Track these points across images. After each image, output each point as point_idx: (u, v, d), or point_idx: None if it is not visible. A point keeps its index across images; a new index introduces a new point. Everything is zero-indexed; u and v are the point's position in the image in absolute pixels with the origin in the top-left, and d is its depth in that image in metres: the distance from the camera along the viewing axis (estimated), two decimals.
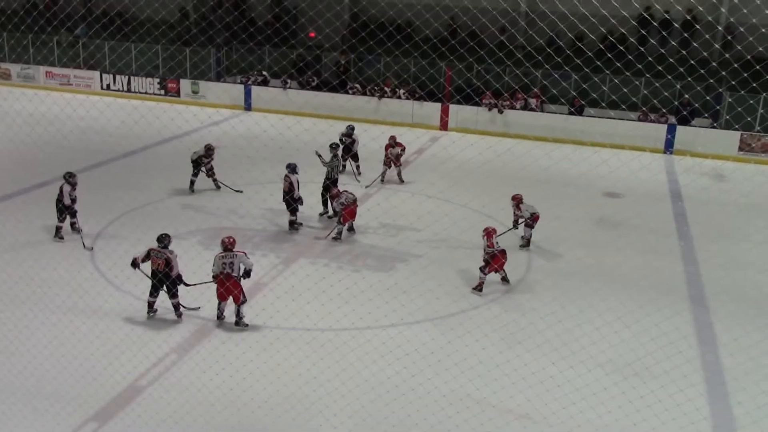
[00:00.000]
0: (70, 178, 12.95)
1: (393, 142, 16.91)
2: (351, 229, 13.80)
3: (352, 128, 16.75)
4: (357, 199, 13.72)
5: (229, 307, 10.25)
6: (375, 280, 11.61)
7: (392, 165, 17.00)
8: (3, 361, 9.00)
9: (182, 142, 19.33)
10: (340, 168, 15.43)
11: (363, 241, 13.55)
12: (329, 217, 14.44)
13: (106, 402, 8.36)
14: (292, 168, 13.63)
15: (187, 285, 10.26)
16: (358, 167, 16.33)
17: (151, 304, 10.30)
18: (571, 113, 22.55)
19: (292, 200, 13.54)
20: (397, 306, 10.37)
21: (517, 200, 13.43)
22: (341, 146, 15.99)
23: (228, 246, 10.05)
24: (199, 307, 10.60)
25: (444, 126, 23.39)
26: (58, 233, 13.03)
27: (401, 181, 17.01)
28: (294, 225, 13.85)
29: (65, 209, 12.90)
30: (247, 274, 10.03)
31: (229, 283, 9.94)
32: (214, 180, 15.97)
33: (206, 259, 11.02)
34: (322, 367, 8.96)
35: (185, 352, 9.49)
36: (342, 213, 13.43)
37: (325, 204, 14.68)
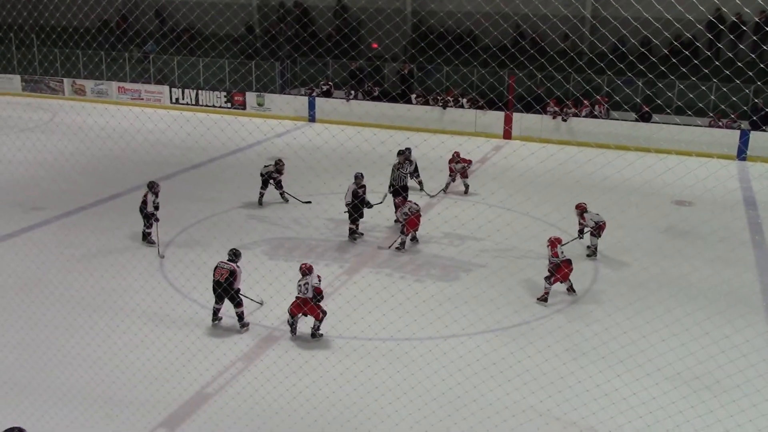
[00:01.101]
0: (153, 187, 13.48)
1: (457, 158, 16.87)
2: (414, 239, 13.81)
3: (410, 150, 16.59)
4: (420, 209, 13.73)
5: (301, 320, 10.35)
6: (436, 289, 11.59)
7: (456, 179, 16.99)
8: (77, 368, 9.30)
9: (246, 155, 19.72)
10: (409, 173, 15.47)
11: (425, 251, 13.55)
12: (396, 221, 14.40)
13: (174, 409, 8.55)
14: (356, 176, 13.81)
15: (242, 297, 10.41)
16: (420, 183, 16.40)
17: (216, 312, 10.51)
18: (637, 120, 22.10)
19: (352, 209, 13.67)
20: (459, 316, 10.31)
21: (581, 209, 13.24)
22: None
23: (304, 271, 10.18)
24: (262, 302, 10.83)
25: (507, 135, 23.22)
26: (146, 238, 13.60)
27: (466, 192, 16.92)
28: (354, 234, 13.93)
29: (149, 217, 13.44)
30: (320, 296, 10.13)
31: (306, 308, 10.08)
32: (282, 193, 16.17)
33: (269, 269, 11.17)
34: (383, 377, 8.97)
35: (250, 360, 9.64)
36: (405, 223, 13.46)
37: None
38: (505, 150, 21.44)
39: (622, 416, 8.22)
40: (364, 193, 13.90)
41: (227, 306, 10.50)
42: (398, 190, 15.04)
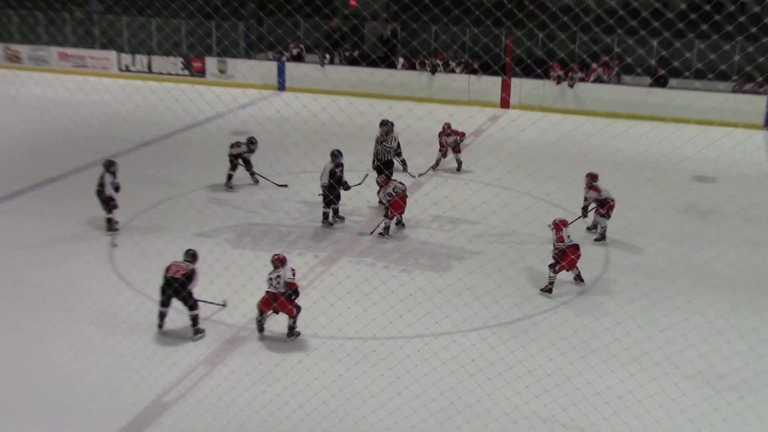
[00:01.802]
0: (110, 166, 13.46)
1: (448, 130, 16.85)
2: (399, 223, 13.79)
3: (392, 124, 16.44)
4: (406, 190, 13.72)
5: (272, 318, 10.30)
6: (425, 281, 11.56)
7: (447, 154, 16.98)
8: (12, 376, 9.21)
9: (205, 129, 19.54)
10: (394, 148, 15.43)
11: (412, 237, 13.52)
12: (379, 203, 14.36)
13: (128, 420, 8.48)
14: (333, 154, 13.77)
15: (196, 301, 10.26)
16: (404, 162, 16.31)
17: (162, 316, 10.32)
18: (652, 85, 22.11)
19: (328, 190, 13.67)
20: (451, 311, 10.29)
21: (592, 177, 13.27)
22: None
23: (277, 263, 10.15)
24: (225, 304, 10.76)
25: (504, 103, 23.21)
26: (112, 226, 13.48)
27: (459, 169, 16.95)
28: (329, 219, 13.91)
29: (109, 201, 13.39)
30: (294, 292, 10.07)
31: (276, 303, 10.04)
32: (252, 174, 16.07)
33: (233, 260, 11.08)
34: (365, 381, 8.94)
35: (213, 364, 9.58)
36: (389, 205, 13.42)
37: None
38: (503, 120, 21.39)
39: (636, 421, 8.25)
40: (342, 172, 13.86)
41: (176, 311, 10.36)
42: (381, 168, 14.99)
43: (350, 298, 10.19)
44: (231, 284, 10.70)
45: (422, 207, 14.25)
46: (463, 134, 17.05)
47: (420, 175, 16.60)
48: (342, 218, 14.14)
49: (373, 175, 14.71)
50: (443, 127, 16.83)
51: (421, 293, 10.64)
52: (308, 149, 15.85)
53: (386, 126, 15.38)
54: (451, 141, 16.85)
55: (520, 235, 13.39)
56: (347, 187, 13.99)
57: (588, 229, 13.62)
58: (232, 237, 13.46)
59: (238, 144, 15.87)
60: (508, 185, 15.23)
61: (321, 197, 13.89)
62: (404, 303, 10.30)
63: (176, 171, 16.93)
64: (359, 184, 14.37)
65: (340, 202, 14.06)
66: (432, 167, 16.92)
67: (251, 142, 15.84)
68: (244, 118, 20.05)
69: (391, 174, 14.73)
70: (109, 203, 13.41)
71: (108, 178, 13.36)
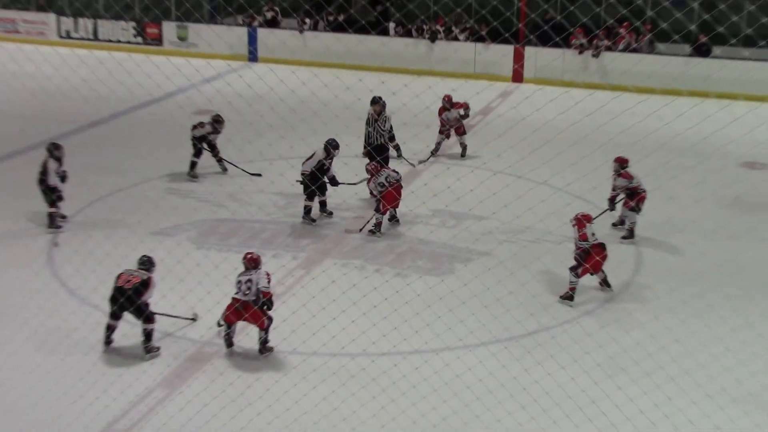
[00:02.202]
0: (54, 150, 13.46)
1: (448, 104, 16.84)
2: (393, 218, 13.84)
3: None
4: (402, 179, 13.73)
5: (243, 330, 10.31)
6: (424, 287, 11.52)
7: (450, 135, 16.99)
8: None
9: (163, 107, 19.47)
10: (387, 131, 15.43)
11: (409, 235, 13.53)
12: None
13: None
14: (327, 146, 13.86)
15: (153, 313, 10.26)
16: (397, 148, 16.32)
17: (110, 330, 10.29)
18: (691, 55, 22.13)
19: (310, 179, 13.68)
20: (455, 322, 10.26)
21: (621, 163, 13.33)
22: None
23: (249, 264, 10.16)
24: (195, 318, 10.79)
25: (517, 76, 23.23)
26: (54, 221, 13.48)
27: (464, 155, 16.94)
28: (310, 213, 13.94)
29: (53, 191, 13.39)
30: (268, 302, 10.09)
31: (248, 314, 10.04)
32: (220, 160, 16.09)
33: (196, 262, 11.08)
34: (354, 405, 8.92)
35: (173, 387, 9.56)
36: (381, 198, 13.42)
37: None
38: (515, 97, 21.39)
39: None
40: (331, 166, 13.96)
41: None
42: (371, 153, 15.01)
43: (336, 308, 10.15)
44: (195, 291, 10.65)
45: (420, 199, 14.09)
46: (466, 106, 17.01)
47: (420, 162, 16.63)
48: (330, 213, 14.21)
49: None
50: (443, 101, 16.80)
51: (419, 301, 10.65)
52: (285, 132, 15.81)
53: (378, 104, 15.38)
54: (453, 117, 16.84)
55: (535, 232, 13.41)
56: (335, 183, 14.04)
57: (614, 225, 13.70)
58: (196, 235, 13.44)
59: (201, 124, 15.85)
60: (521, 173, 15.24)
61: (301, 187, 13.88)
62: (399, 313, 10.29)
63: (129, 157, 16.86)
64: (355, 184, 14.41)
65: (327, 193, 14.11)
66: (432, 152, 16.93)
67: (217, 121, 15.82)
68: (210, 94, 19.90)
69: (387, 161, 14.74)
70: (52, 195, 13.40)
71: (52, 164, 13.33)
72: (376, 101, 15.35)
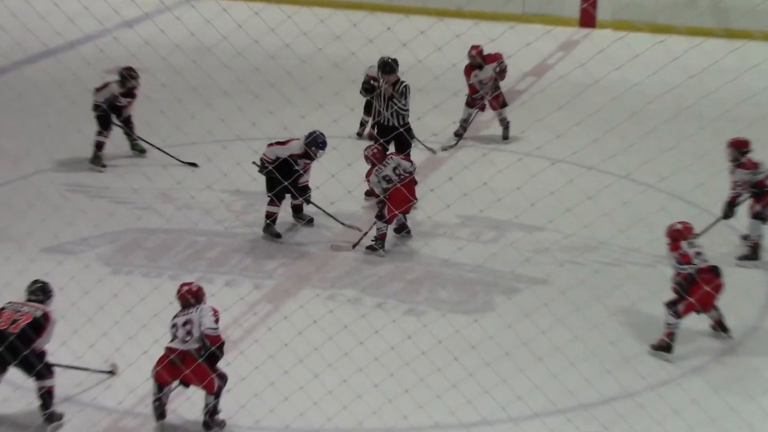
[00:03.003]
0: None
1: (478, 59, 16.79)
2: (403, 228, 13.92)
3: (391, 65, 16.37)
4: (415, 170, 13.78)
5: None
6: (449, 330, 11.30)
7: (484, 106, 17.00)
8: None
9: (60, 61, 19.26)
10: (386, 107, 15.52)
11: (425, 253, 13.62)
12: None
13: None
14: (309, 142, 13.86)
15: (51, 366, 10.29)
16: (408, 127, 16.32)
17: None
18: None
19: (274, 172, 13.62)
20: (494, 383, 10.21)
21: (739, 146, 13.22)
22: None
23: (187, 299, 10.21)
24: (114, 371, 10.89)
25: (587, 19, 23.47)
26: None
27: (506, 136, 17.08)
28: (274, 223, 13.90)
29: None
30: (212, 354, 10.04)
31: (189, 370, 9.94)
32: (134, 139, 16.27)
33: (112, 292, 11.01)
34: None
35: None
36: (385, 199, 13.42)
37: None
38: (584, 49, 21.53)
39: None
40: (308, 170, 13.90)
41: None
42: (373, 134, 15.31)
43: (318, 360, 10.22)
44: (109, 336, 10.61)
45: (442, 200, 14.01)
46: (501, 58, 16.91)
47: (444, 149, 16.74)
48: (308, 221, 14.31)
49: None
50: (469, 56, 16.76)
51: (441, 351, 10.55)
52: (245, 101, 15.75)
53: (393, 72, 15.24)
54: (488, 77, 16.76)
55: (612, 249, 13.51)
56: (308, 201, 14.06)
57: (743, 238, 13.56)
58: (110, 252, 13.55)
59: (105, 85, 15.89)
60: (592, 163, 15.17)
61: (261, 175, 13.81)
62: (412, 368, 10.27)
63: (14, 136, 17.11)
64: (344, 224, 14.32)
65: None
66: (458, 132, 16.91)
67: (130, 76, 15.93)
68: (133, 44, 19.77)
69: (403, 146, 14.73)
70: None
71: None
72: (389, 66, 15.14)
